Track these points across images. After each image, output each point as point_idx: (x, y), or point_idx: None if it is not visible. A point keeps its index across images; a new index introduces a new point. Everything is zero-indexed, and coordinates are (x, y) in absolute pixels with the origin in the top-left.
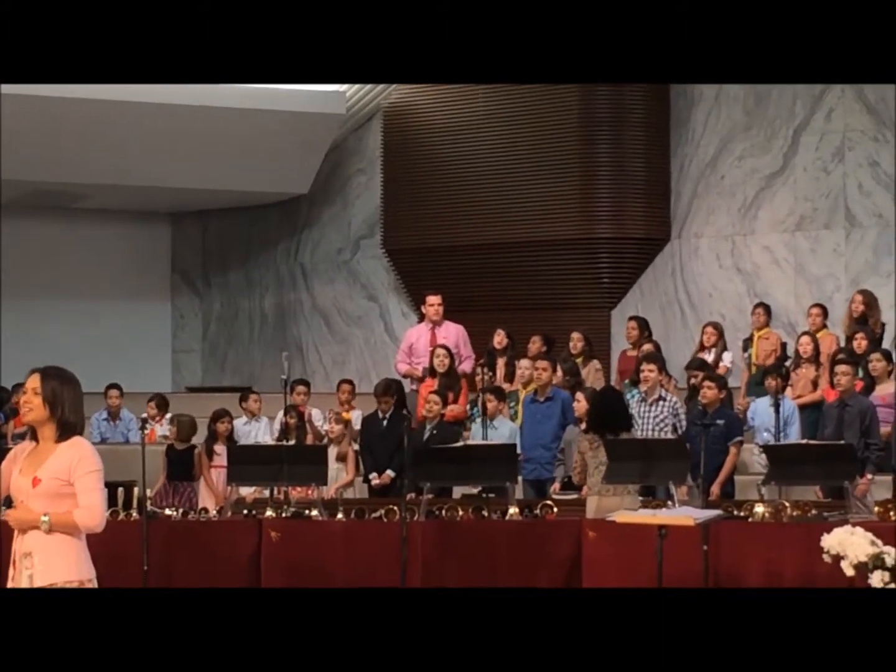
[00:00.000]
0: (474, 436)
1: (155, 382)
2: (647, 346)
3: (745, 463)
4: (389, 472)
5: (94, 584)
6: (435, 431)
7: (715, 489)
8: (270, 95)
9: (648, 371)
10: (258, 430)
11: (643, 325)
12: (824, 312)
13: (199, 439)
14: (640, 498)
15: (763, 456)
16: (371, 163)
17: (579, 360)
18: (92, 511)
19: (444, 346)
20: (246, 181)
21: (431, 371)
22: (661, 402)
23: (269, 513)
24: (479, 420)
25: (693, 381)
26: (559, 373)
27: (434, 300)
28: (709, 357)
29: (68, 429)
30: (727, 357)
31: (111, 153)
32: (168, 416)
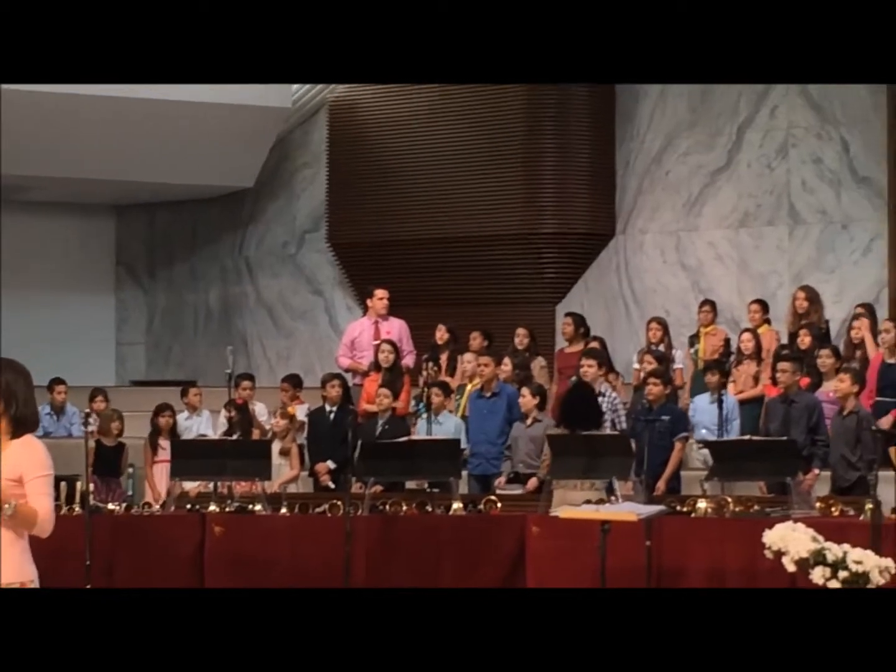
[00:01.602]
0: (419, 431)
1: (98, 376)
2: (593, 343)
3: (686, 458)
4: (329, 464)
5: (36, 585)
6: (387, 426)
7: (661, 485)
8: (216, 89)
9: (587, 366)
10: (199, 425)
11: (579, 321)
12: (764, 308)
13: (135, 432)
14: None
15: (703, 452)
16: (316, 157)
17: (526, 354)
18: (44, 516)
19: (389, 341)
20: (191, 174)
21: (376, 366)
22: (600, 398)
23: (212, 507)
24: (423, 415)
25: (646, 367)
26: (508, 367)
27: (383, 294)
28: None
29: (22, 424)
30: (678, 356)
31: (56, 145)
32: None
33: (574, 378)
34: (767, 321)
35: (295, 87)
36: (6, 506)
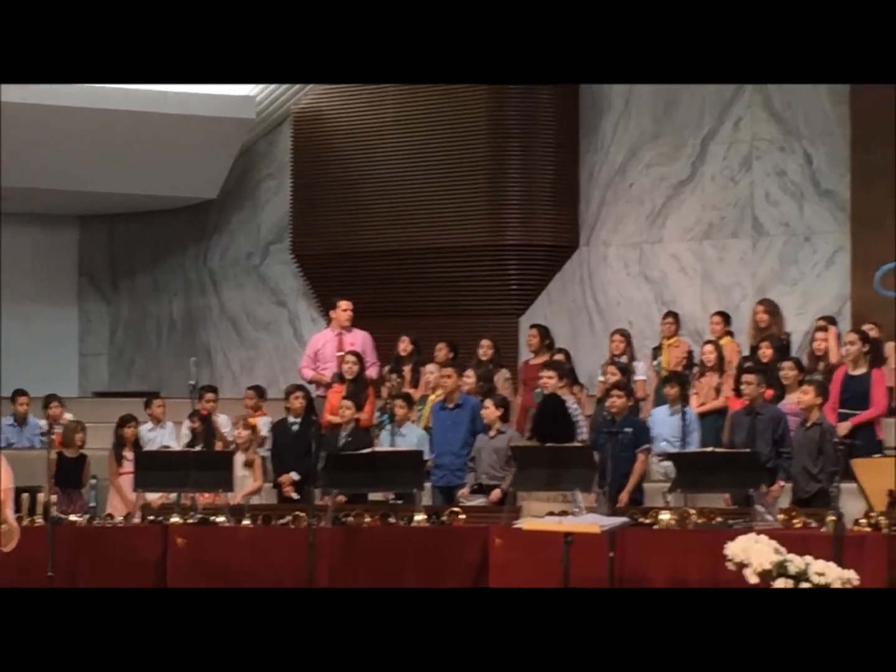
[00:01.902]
0: (382, 442)
1: (61, 387)
2: (558, 356)
3: (648, 470)
4: (293, 475)
5: None
6: (350, 438)
7: (624, 497)
8: (180, 99)
9: (547, 378)
10: (163, 436)
11: (544, 332)
12: (726, 320)
13: (98, 444)
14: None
15: (663, 464)
16: (281, 168)
17: (489, 366)
18: (16, 529)
19: (353, 353)
20: (155, 185)
21: (340, 377)
22: None
23: (175, 519)
24: (387, 427)
25: (610, 378)
26: (471, 378)
27: (347, 305)
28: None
29: None
30: (640, 369)
31: (19, 156)
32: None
33: (539, 391)
34: (730, 333)
35: (259, 97)
36: (3, 525)
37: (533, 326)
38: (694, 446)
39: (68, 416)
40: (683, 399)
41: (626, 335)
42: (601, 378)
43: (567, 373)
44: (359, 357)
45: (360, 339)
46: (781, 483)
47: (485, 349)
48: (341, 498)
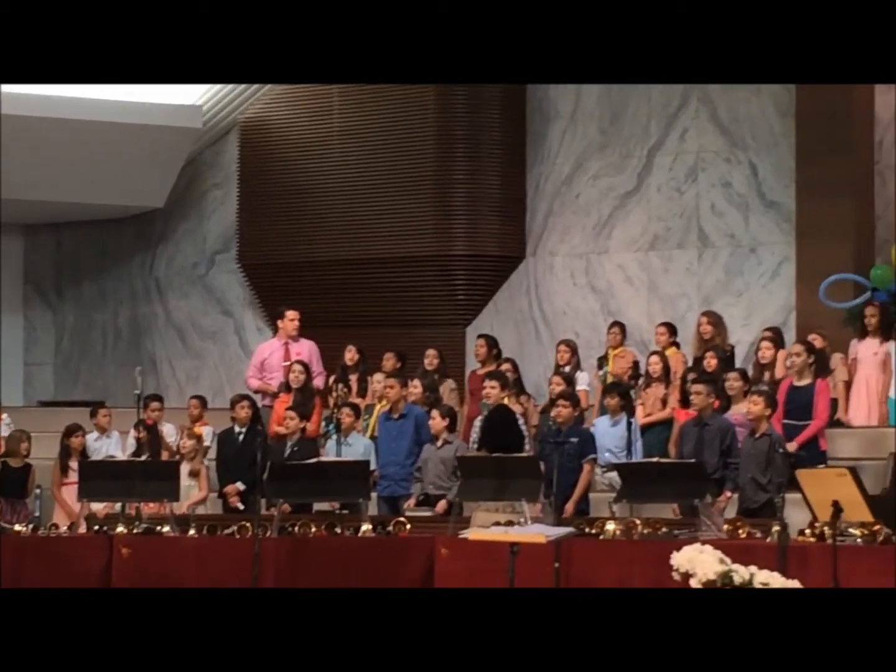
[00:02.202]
0: (328, 452)
1: (6, 396)
2: (505, 366)
3: (593, 481)
4: (238, 485)
5: None
6: (296, 448)
7: (569, 507)
8: (126, 108)
9: (490, 388)
10: (109, 446)
11: (492, 343)
12: (671, 331)
13: (43, 453)
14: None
15: (608, 475)
16: (227, 177)
17: (435, 377)
18: None
19: (300, 362)
20: (101, 194)
21: (287, 386)
22: None
23: (120, 528)
24: (333, 436)
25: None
26: (418, 388)
27: (294, 315)
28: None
29: None
30: (583, 379)
31: None
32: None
33: (484, 401)
34: (675, 344)
35: (206, 107)
36: None
37: (480, 336)
38: (637, 456)
39: (6, 421)
40: (625, 409)
41: (571, 346)
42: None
43: (511, 383)
44: (305, 366)
45: (306, 349)
46: (728, 494)
47: (431, 359)
48: (286, 508)
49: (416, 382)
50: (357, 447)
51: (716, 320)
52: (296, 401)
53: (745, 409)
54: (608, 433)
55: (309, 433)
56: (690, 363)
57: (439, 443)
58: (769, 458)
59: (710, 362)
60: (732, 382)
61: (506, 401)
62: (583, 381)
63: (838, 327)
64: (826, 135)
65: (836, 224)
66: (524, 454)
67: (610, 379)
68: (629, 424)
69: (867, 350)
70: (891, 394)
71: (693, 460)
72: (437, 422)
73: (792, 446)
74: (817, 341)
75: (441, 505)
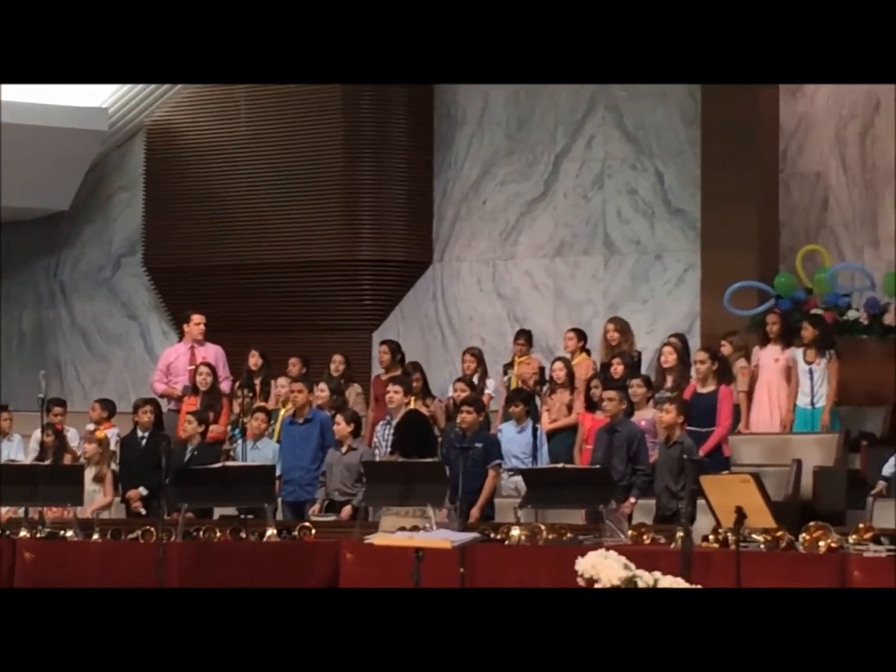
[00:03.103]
0: (237, 456)
1: None
2: (415, 375)
3: (498, 486)
4: (141, 490)
5: None
6: (196, 452)
7: (475, 513)
8: (32, 110)
9: (393, 393)
10: (10, 449)
11: (395, 348)
12: (580, 337)
13: None
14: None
15: (514, 479)
16: (133, 180)
17: (341, 381)
18: None
19: (207, 364)
20: (5, 196)
21: (194, 389)
22: None
23: (23, 533)
24: (238, 440)
25: (460, 395)
26: (324, 393)
27: (200, 319)
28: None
29: None
30: (490, 385)
31: None
32: None
33: (390, 405)
34: (585, 350)
35: (112, 110)
36: None
37: (384, 342)
38: (542, 462)
39: None
40: (530, 415)
41: (476, 354)
42: (450, 394)
43: (412, 388)
44: (212, 369)
45: (212, 353)
46: (633, 499)
47: (337, 364)
48: (189, 514)
49: (323, 386)
50: (266, 451)
51: (622, 327)
52: (203, 403)
53: (649, 415)
54: (515, 439)
55: (215, 437)
56: (597, 369)
57: (344, 448)
58: (681, 466)
59: (617, 368)
60: (636, 389)
61: (411, 405)
62: (490, 387)
63: (742, 334)
64: (731, 143)
65: (740, 232)
66: (429, 460)
67: (515, 385)
68: (535, 430)
69: (769, 357)
70: (798, 402)
71: (598, 466)
72: (341, 427)
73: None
74: (724, 347)
75: (346, 510)
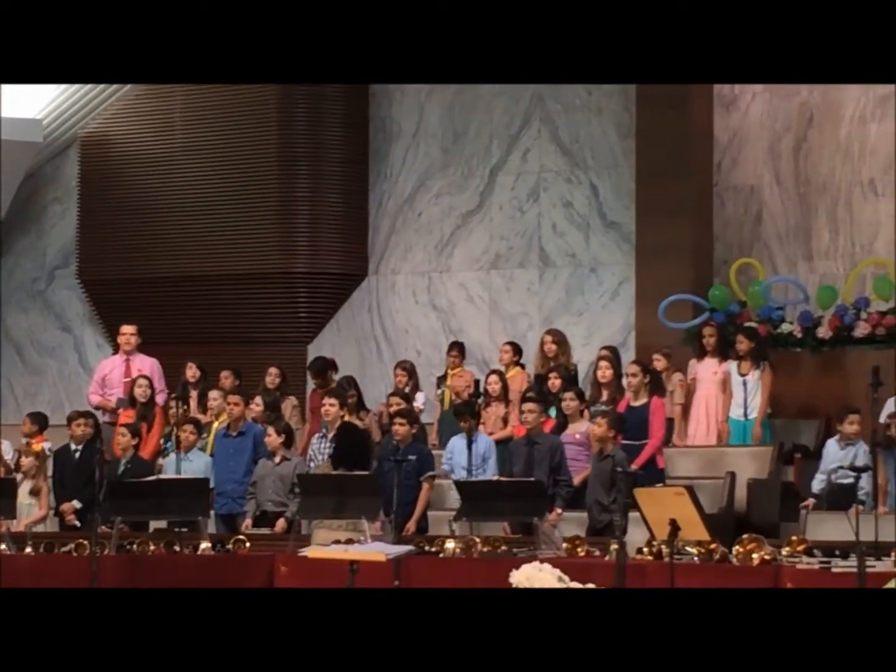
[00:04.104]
0: (168, 469)
1: None
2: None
3: (442, 498)
4: (75, 503)
5: None
6: (129, 465)
7: (410, 526)
8: None
9: (329, 405)
10: None
11: (322, 368)
12: (515, 350)
13: None
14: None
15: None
16: (68, 192)
17: (277, 394)
18: None
19: (145, 376)
20: None
21: (129, 401)
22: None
23: None
24: (172, 453)
25: (390, 410)
26: (260, 406)
27: (127, 329)
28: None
29: None
30: (419, 398)
31: None
32: None
33: (326, 419)
34: (519, 363)
35: (46, 121)
36: None
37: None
38: (490, 473)
39: None
40: (476, 428)
41: (408, 368)
42: (380, 408)
43: (346, 401)
44: (150, 381)
45: (148, 365)
46: (558, 511)
47: (272, 377)
48: (123, 527)
49: (259, 400)
50: (198, 464)
51: (560, 339)
52: (140, 414)
53: (583, 428)
54: (464, 452)
55: (149, 450)
56: (532, 382)
57: (277, 459)
58: (613, 480)
59: (554, 381)
60: (569, 402)
61: (346, 418)
62: (419, 399)
63: (677, 347)
64: (666, 156)
65: (675, 245)
66: (362, 472)
67: (448, 397)
68: (469, 443)
69: (706, 370)
70: (731, 414)
71: (533, 479)
72: (272, 439)
73: (633, 467)
74: (660, 361)
75: (280, 523)
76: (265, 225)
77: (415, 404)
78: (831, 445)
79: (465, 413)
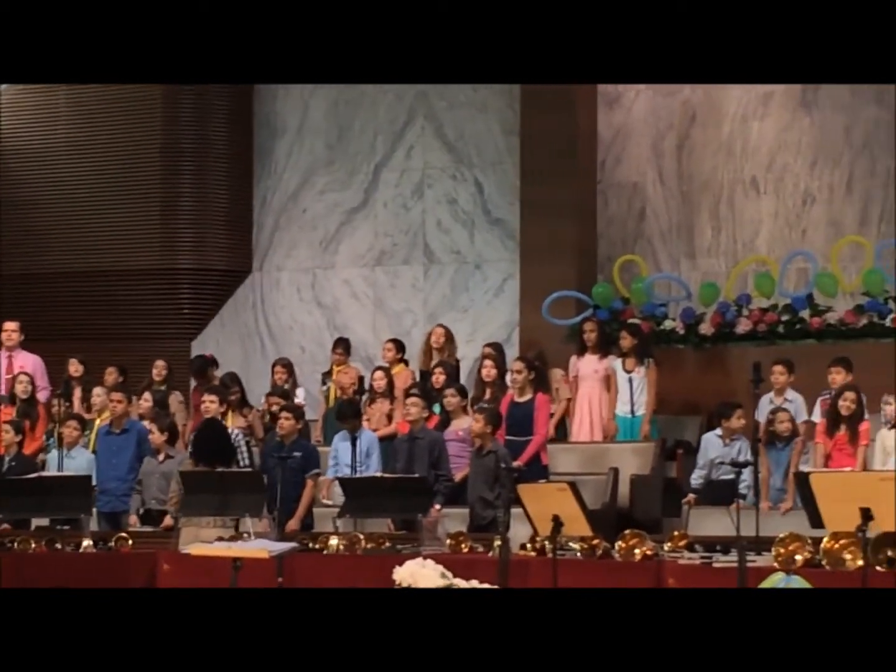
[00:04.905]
0: (50, 466)
1: None
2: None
3: (330, 495)
4: None
5: None
6: (13, 463)
7: (293, 523)
8: None
9: (209, 402)
10: None
11: (203, 365)
12: (398, 347)
13: None
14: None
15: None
16: None
17: (163, 388)
18: None
19: (26, 373)
20: None
21: (10, 398)
22: None
23: None
24: (53, 450)
25: (273, 409)
26: (148, 402)
27: (9, 326)
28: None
29: None
30: (300, 393)
31: None
32: None
33: (206, 415)
34: (403, 360)
35: None
36: None
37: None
38: (373, 469)
39: None
40: (360, 426)
41: (287, 365)
42: (261, 406)
43: (226, 397)
44: (31, 378)
45: (30, 363)
46: (438, 506)
47: (159, 369)
48: (6, 526)
49: (147, 396)
50: (80, 461)
51: (449, 334)
52: (20, 412)
53: (465, 424)
54: (348, 449)
55: (33, 447)
56: (417, 378)
57: (161, 456)
58: (496, 475)
59: (438, 377)
60: (450, 398)
61: (230, 415)
62: (300, 395)
63: (560, 343)
64: (550, 154)
65: (559, 242)
66: (246, 469)
67: (333, 394)
68: (353, 440)
69: (588, 367)
70: (618, 411)
71: (416, 475)
72: (156, 436)
73: (517, 464)
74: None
75: (167, 520)
76: (149, 221)
77: (295, 401)
78: (711, 441)
79: (346, 414)
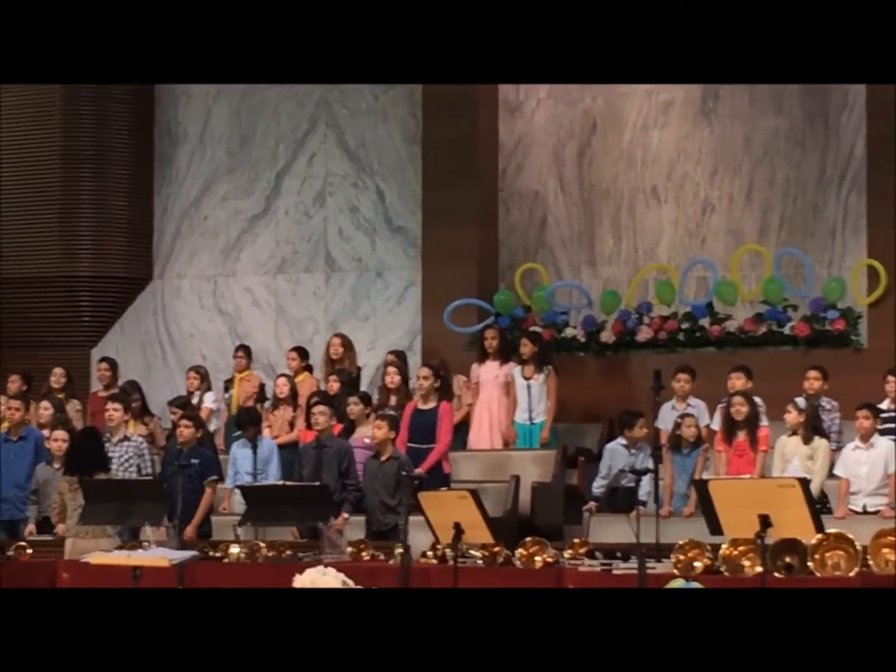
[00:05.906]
0: None
1: None
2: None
3: (229, 503)
4: None
5: None
6: None
7: (190, 531)
8: None
9: (113, 410)
10: None
11: (114, 365)
12: (302, 355)
13: None
14: (121, 539)
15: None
16: None
17: (61, 396)
18: None
19: None
20: None
21: None
22: (126, 442)
23: None
24: None
25: (173, 417)
26: (49, 410)
27: None
28: (195, 399)
29: None
30: (209, 398)
31: None
32: None
33: (110, 424)
34: (307, 368)
35: None
36: None
37: (103, 360)
38: (272, 477)
39: None
40: (260, 433)
41: (201, 372)
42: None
43: (129, 405)
44: None
45: None
46: (345, 515)
47: (58, 377)
48: None
49: (47, 404)
50: None
51: (347, 342)
52: None
53: (369, 432)
54: (248, 457)
55: None
56: (322, 386)
57: (57, 465)
58: (398, 482)
59: (333, 385)
60: (353, 406)
61: (131, 423)
62: (208, 399)
63: (463, 351)
64: (451, 162)
65: (460, 249)
66: (147, 477)
67: (236, 402)
68: (254, 447)
69: (489, 373)
70: (517, 418)
71: (318, 483)
72: (58, 444)
73: (418, 471)
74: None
75: (62, 529)
76: (48, 228)
77: (205, 406)
78: (617, 451)
79: (245, 422)
